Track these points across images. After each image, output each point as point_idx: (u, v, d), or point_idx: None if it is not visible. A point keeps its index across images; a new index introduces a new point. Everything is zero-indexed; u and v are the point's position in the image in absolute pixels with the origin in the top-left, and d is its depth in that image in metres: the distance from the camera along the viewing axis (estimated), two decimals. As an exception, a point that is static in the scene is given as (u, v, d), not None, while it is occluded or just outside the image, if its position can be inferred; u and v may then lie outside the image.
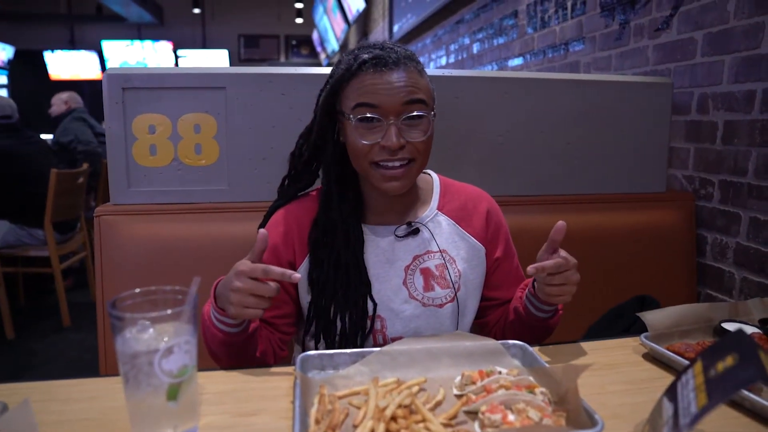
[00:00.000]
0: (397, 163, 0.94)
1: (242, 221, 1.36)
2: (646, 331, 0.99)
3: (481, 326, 1.16)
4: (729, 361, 0.54)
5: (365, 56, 0.93)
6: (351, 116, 0.93)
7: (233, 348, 0.92)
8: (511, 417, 0.69)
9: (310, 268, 1.01)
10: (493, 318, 1.13)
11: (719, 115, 1.61)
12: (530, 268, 0.88)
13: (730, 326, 1.01)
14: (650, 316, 1.00)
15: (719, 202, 1.64)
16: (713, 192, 1.66)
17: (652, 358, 0.95)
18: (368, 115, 0.92)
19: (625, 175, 1.73)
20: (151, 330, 0.65)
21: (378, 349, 0.87)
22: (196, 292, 0.68)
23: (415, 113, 0.93)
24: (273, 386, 0.83)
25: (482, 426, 0.70)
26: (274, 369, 0.89)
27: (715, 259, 1.66)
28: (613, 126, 1.69)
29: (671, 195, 1.75)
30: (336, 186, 1.01)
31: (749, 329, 0.99)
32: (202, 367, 0.83)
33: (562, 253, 0.91)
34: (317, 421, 0.70)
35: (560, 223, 0.91)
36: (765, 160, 1.47)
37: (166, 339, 0.64)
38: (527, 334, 1.02)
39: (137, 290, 0.68)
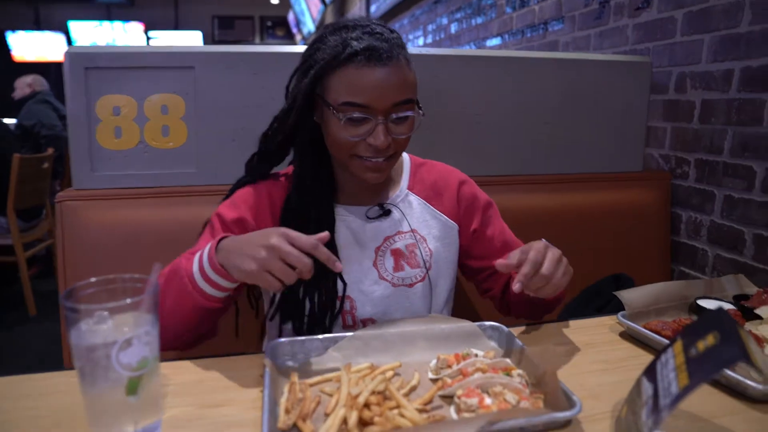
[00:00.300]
0: (381, 158, 0.93)
1: (212, 205, 1.29)
2: (622, 309, 0.99)
3: (491, 299, 1.15)
4: (710, 340, 0.53)
5: (355, 45, 0.87)
6: (339, 114, 0.89)
7: (203, 315, 0.85)
8: (487, 401, 0.68)
9: None
10: (498, 288, 1.10)
11: (697, 94, 1.61)
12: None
13: (706, 303, 1.01)
14: (627, 295, 1.00)
15: (695, 180, 1.64)
16: (689, 171, 1.66)
17: (629, 336, 0.95)
18: (356, 115, 0.89)
19: (602, 154, 1.72)
20: (108, 321, 0.61)
21: (351, 333, 0.85)
22: (157, 280, 0.65)
23: (402, 114, 0.91)
24: (242, 375, 0.80)
25: (458, 411, 0.69)
26: (243, 357, 0.86)
27: (690, 237, 1.68)
28: (591, 105, 1.68)
29: (648, 174, 1.76)
30: (310, 167, 0.99)
31: (724, 306, 0.99)
32: (165, 357, 0.80)
33: (531, 254, 0.83)
34: (287, 411, 0.68)
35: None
36: (741, 139, 1.48)
37: (125, 330, 0.61)
38: (532, 310, 1.02)
39: (93, 279, 0.64)
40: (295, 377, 0.75)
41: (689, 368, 0.52)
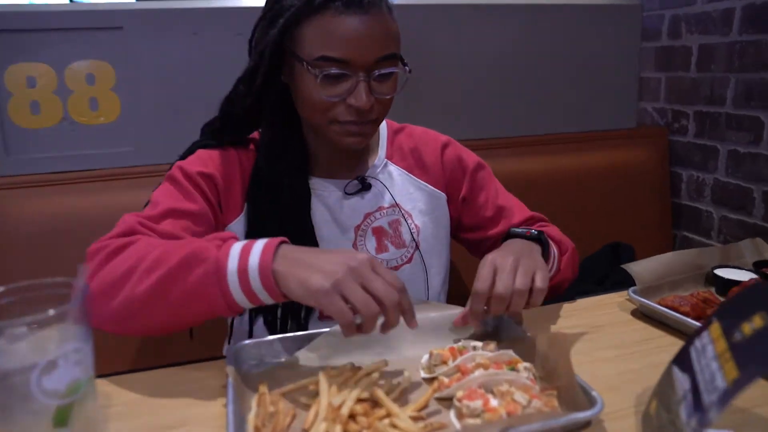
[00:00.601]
0: (363, 122, 0.88)
1: (154, 189, 1.23)
2: (625, 282, 0.96)
3: None
4: (758, 322, 0.48)
5: None
6: (314, 70, 0.83)
7: (207, 319, 0.75)
8: (493, 402, 0.63)
9: (248, 227, 0.92)
10: None
11: (693, 38, 1.58)
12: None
13: (724, 272, 0.99)
14: (636, 268, 0.96)
15: (695, 135, 1.62)
16: (688, 125, 1.64)
17: (642, 315, 0.92)
18: (334, 71, 0.82)
19: (591, 110, 1.70)
20: (26, 339, 0.53)
21: (326, 330, 0.79)
22: (86, 283, 0.57)
23: (386, 71, 0.86)
24: (201, 388, 0.73)
25: (460, 416, 0.64)
26: (201, 365, 0.79)
27: (691, 199, 1.67)
28: (576, 56, 1.65)
29: (642, 131, 1.74)
30: (280, 133, 0.93)
31: (745, 274, 0.97)
32: (106, 371, 0.73)
33: (476, 285, 0.77)
34: (257, 430, 0.61)
35: (455, 321, 0.81)
36: (745, 87, 1.45)
37: (48, 349, 0.53)
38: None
39: (1, 288, 0.55)
40: (264, 387, 0.69)
41: (736, 357, 0.48)
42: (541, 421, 0.58)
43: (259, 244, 0.70)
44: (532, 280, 0.78)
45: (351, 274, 0.65)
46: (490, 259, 0.80)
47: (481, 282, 0.77)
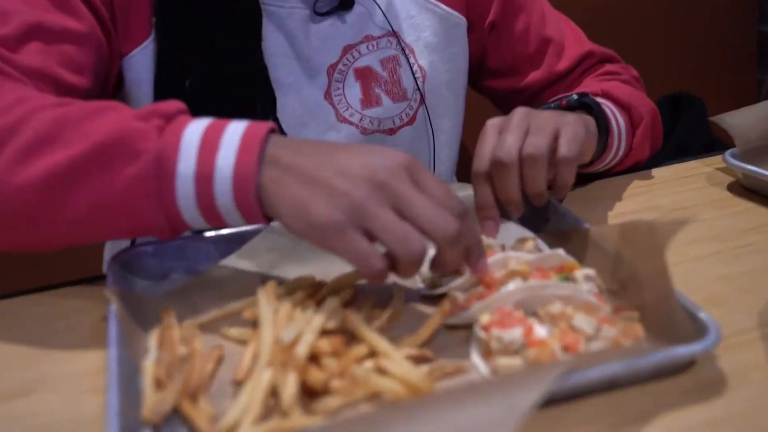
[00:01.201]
0: None
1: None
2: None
3: None
4: None
5: None
6: None
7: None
8: (540, 331, 0.57)
9: (158, 62, 0.86)
10: None
11: None
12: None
13: None
14: (733, 120, 0.92)
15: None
16: None
17: (744, 190, 0.87)
18: None
19: None
20: None
21: (269, 225, 0.71)
22: None
23: None
24: (66, 327, 0.65)
25: (487, 353, 0.57)
26: (67, 291, 0.71)
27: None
28: None
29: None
30: None
31: None
32: None
33: (473, 165, 0.73)
34: (159, 383, 0.53)
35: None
36: None
37: None
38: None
39: None
40: (170, 316, 0.62)
41: None
42: (621, 360, 0.51)
43: (234, 132, 0.58)
44: (556, 145, 0.70)
45: (377, 193, 0.54)
46: (491, 123, 0.74)
47: (477, 159, 0.72)
